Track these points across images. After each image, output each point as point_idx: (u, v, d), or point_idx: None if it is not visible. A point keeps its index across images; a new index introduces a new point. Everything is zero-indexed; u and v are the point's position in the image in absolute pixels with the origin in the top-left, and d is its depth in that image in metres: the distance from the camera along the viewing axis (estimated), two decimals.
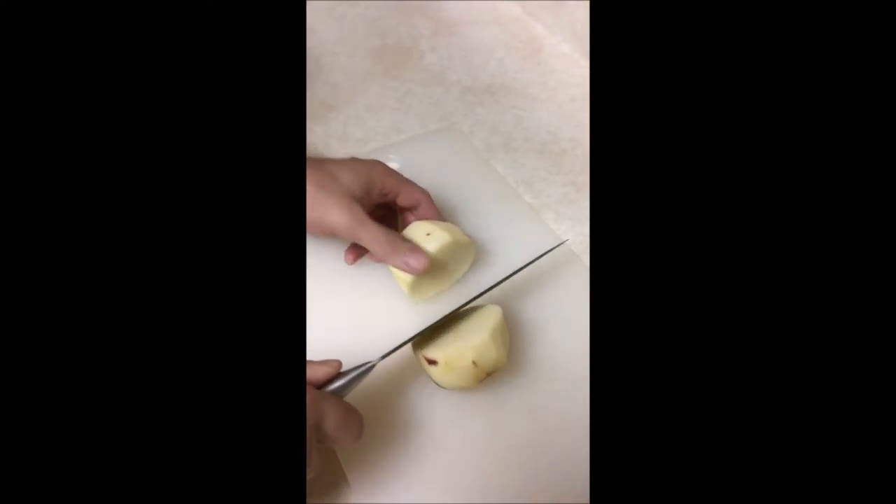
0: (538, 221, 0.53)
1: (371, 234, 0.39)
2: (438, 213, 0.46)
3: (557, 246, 0.46)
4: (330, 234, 0.40)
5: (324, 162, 0.42)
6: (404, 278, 0.42)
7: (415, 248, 0.40)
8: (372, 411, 0.38)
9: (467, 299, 0.41)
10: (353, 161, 0.43)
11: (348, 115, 0.64)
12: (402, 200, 0.45)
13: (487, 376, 0.38)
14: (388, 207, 0.46)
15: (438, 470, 0.37)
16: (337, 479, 0.37)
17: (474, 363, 0.37)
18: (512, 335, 0.43)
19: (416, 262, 0.39)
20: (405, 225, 0.45)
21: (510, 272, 0.43)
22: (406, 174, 0.46)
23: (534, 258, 0.44)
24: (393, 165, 0.45)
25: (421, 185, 0.47)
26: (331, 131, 0.62)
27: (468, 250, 0.46)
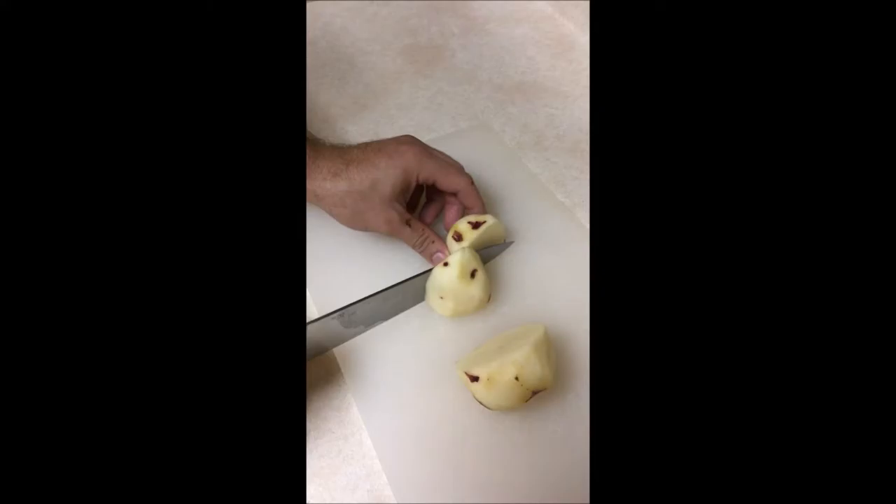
0: (572, 220, 0.53)
1: (406, 237, 0.47)
2: (480, 198, 0.48)
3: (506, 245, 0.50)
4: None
5: (364, 163, 0.43)
6: (438, 302, 0.44)
7: (442, 247, 0.47)
8: (416, 432, 0.38)
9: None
10: (391, 153, 0.44)
11: (380, 114, 0.64)
12: (442, 187, 0.47)
13: (533, 395, 0.37)
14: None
15: (481, 492, 0.36)
16: None
17: (517, 379, 0.36)
18: (563, 358, 0.42)
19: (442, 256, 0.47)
20: (449, 207, 0.49)
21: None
22: None
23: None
24: None
25: None
26: (363, 130, 0.62)
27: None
